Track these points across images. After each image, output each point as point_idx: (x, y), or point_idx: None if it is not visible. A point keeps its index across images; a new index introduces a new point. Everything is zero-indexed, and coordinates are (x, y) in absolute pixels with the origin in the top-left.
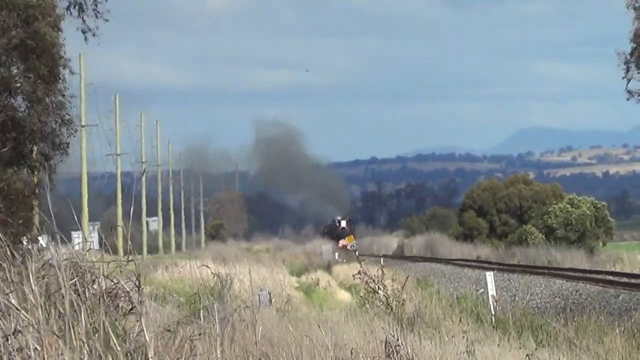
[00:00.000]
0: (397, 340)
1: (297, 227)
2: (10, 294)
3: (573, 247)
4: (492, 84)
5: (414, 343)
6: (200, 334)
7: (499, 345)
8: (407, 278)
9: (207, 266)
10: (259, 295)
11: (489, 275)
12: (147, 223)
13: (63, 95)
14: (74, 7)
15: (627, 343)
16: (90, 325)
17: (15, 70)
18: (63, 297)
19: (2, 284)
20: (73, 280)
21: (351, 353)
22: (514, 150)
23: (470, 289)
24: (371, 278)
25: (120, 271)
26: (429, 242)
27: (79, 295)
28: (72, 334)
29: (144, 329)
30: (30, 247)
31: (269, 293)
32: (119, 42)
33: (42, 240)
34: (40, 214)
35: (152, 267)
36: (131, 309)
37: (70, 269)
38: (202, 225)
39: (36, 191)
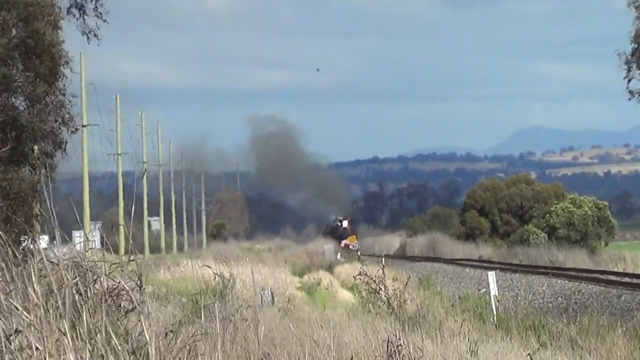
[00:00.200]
0: (399, 340)
1: (298, 227)
2: (12, 294)
3: (575, 247)
4: (492, 84)
5: (415, 343)
6: (202, 334)
7: (502, 346)
8: (409, 278)
9: (208, 266)
10: (261, 295)
11: (491, 275)
12: (149, 223)
13: (63, 95)
14: (75, 8)
15: (629, 343)
16: (92, 325)
17: (15, 70)
18: (64, 296)
19: (3, 283)
20: (75, 280)
21: (352, 355)
22: (514, 150)
23: (472, 288)
24: (372, 278)
25: (122, 271)
26: (431, 242)
27: (80, 294)
28: (74, 334)
29: (146, 329)
30: (31, 246)
31: (271, 293)
32: (119, 42)
33: (44, 240)
34: (41, 213)
35: (154, 266)
36: (133, 308)
37: (71, 269)
38: (204, 225)
39: (37, 190)
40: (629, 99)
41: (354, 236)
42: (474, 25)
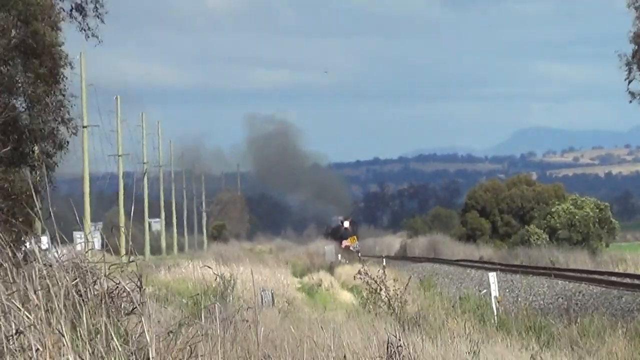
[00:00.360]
0: (399, 341)
1: (299, 228)
2: (13, 295)
3: (576, 248)
4: (492, 84)
5: (416, 344)
6: (202, 335)
7: (502, 347)
8: (409, 279)
9: (209, 267)
10: (262, 295)
11: (492, 276)
12: (150, 224)
13: (63, 95)
14: (77, 11)
15: (630, 344)
16: (92, 326)
17: (16, 70)
18: (65, 297)
19: (4, 284)
20: (75, 281)
21: (352, 356)
22: (514, 150)
23: (473, 289)
24: (372, 279)
25: (122, 272)
26: (432, 243)
27: (80, 295)
28: (74, 335)
29: (146, 330)
30: (32, 247)
31: (272, 294)
32: (118, 42)
33: (44, 241)
34: (41, 213)
35: (155, 267)
36: (133, 309)
37: (72, 270)
38: (204, 226)
39: (38, 191)
40: (630, 101)
41: (355, 237)
42: (474, 25)
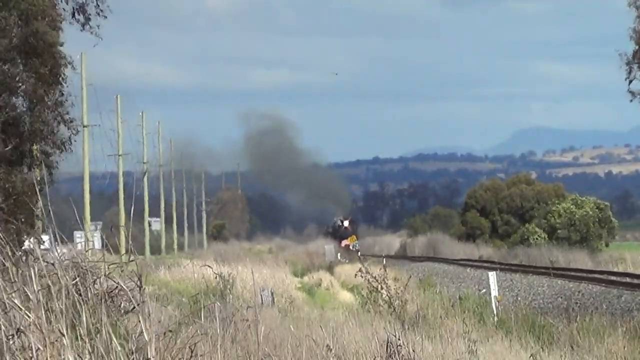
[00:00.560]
0: (399, 340)
1: (299, 227)
2: (13, 294)
3: (575, 247)
4: (492, 84)
5: (415, 343)
6: (202, 334)
7: (502, 346)
8: (409, 278)
9: (209, 266)
10: (261, 295)
11: (492, 276)
12: (150, 223)
13: (62, 95)
14: (79, 13)
15: (629, 343)
16: (92, 325)
17: (16, 70)
18: (65, 297)
19: (5, 283)
20: (75, 280)
21: (352, 355)
22: (514, 150)
23: (472, 289)
24: (374, 277)
25: (122, 271)
26: (432, 242)
27: (80, 295)
28: (74, 334)
29: (146, 329)
30: (32, 246)
31: (272, 293)
32: (118, 42)
33: (45, 240)
34: (42, 213)
35: (154, 267)
36: (133, 309)
37: (72, 269)
38: (204, 226)
39: (38, 190)
40: (631, 100)
41: (355, 236)
42: (474, 25)
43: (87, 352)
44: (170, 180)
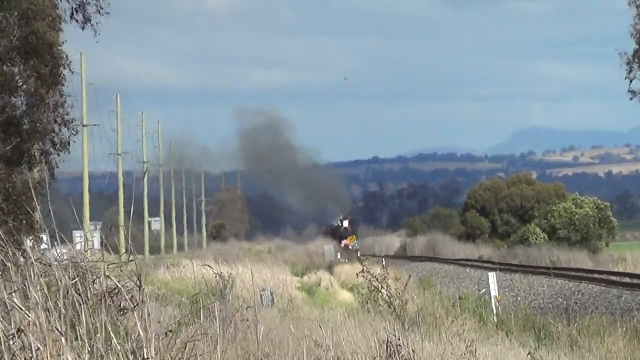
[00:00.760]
0: (399, 340)
1: (298, 227)
2: (13, 294)
3: (576, 247)
4: (492, 84)
5: (415, 343)
6: (201, 334)
7: (501, 346)
8: (409, 278)
9: (209, 266)
10: (261, 295)
11: (492, 276)
12: (149, 223)
13: (61, 95)
14: (77, 12)
15: (629, 343)
16: (92, 325)
17: (16, 70)
18: (64, 296)
19: (5, 283)
20: (74, 280)
21: (351, 355)
22: (514, 150)
23: (472, 289)
24: (374, 277)
25: (121, 271)
26: (431, 242)
27: (80, 294)
28: (74, 334)
29: (145, 329)
30: (32, 246)
31: (271, 293)
32: (118, 42)
33: (45, 240)
34: (41, 213)
35: (154, 266)
36: (132, 308)
37: (71, 269)
38: (204, 226)
39: (38, 190)
40: (630, 99)
41: (354, 236)
42: (474, 25)
43: (86, 351)
44: (169, 180)
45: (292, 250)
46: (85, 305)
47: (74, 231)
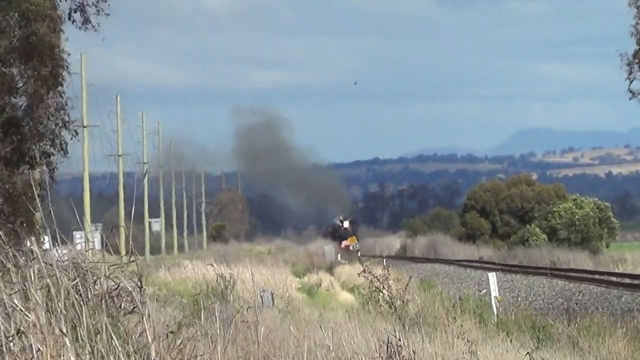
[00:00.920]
0: (399, 340)
1: (298, 228)
2: (14, 295)
3: (576, 248)
4: (492, 84)
5: (416, 344)
6: (202, 335)
7: (502, 347)
8: (410, 279)
9: (212, 265)
10: (261, 296)
11: (492, 276)
12: (150, 224)
13: (61, 97)
14: (75, 11)
15: (630, 344)
16: (92, 326)
17: (16, 71)
18: (65, 297)
19: (5, 284)
20: (75, 281)
21: (352, 355)
22: (514, 151)
23: (473, 289)
24: (376, 277)
25: (122, 272)
26: (432, 243)
27: (80, 295)
28: (74, 335)
29: (146, 330)
30: (33, 247)
31: (271, 294)
32: (118, 42)
33: (46, 241)
34: (42, 214)
35: (155, 267)
36: (133, 309)
37: (72, 270)
38: (204, 226)
39: (38, 191)
40: (630, 99)
41: (355, 237)
42: (474, 25)
43: (87, 352)
44: (170, 181)
45: (292, 251)
46: (86, 306)
47: (74, 232)
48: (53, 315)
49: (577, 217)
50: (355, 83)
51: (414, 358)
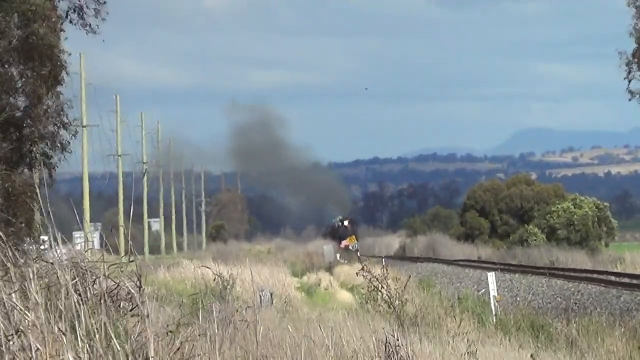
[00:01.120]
0: (398, 340)
1: (298, 228)
2: (13, 294)
3: (575, 247)
4: (492, 84)
5: (414, 343)
6: (200, 335)
7: (501, 346)
8: (409, 278)
9: (207, 267)
10: (260, 295)
11: (491, 276)
12: (149, 224)
13: (58, 97)
14: (74, 11)
15: (629, 343)
16: (91, 325)
17: (16, 71)
18: (64, 297)
19: (4, 284)
20: (74, 280)
21: (351, 355)
22: (514, 150)
23: (472, 289)
24: (375, 276)
25: (122, 271)
26: (431, 243)
27: (79, 295)
28: (73, 335)
29: (145, 330)
30: (32, 247)
31: (270, 293)
32: (117, 42)
33: (45, 241)
34: (41, 213)
35: (154, 267)
36: (132, 309)
37: (71, 269)
38: (204, 226)
39: (38, 191)
40: (629, 99)
41: (354, 236)
42: (474, 25)
43: (86, 352)
44: (169, 180)
45: (291, 251)
46: (85, 305)
47: (73, 232)
48: (52, 314)
49: (576, 216)
50: (366, 89)
51: (412, 357)
